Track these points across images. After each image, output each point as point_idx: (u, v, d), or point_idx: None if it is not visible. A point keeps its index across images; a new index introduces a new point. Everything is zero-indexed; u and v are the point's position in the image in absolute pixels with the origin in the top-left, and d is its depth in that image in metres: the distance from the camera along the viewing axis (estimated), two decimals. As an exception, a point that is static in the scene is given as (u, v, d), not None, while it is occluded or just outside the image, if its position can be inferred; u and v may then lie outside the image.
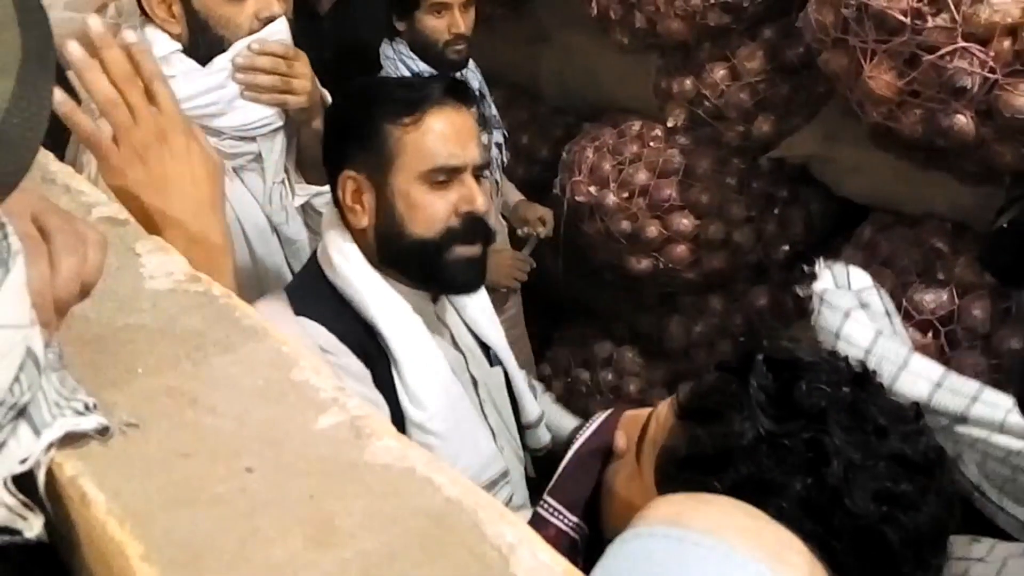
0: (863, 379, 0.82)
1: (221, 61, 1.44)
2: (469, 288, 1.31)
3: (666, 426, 0.85)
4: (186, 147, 0.90)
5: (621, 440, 0.93)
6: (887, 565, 0.72)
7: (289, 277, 1.55)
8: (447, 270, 1.24)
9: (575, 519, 0.95)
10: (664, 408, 0.88)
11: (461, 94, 1.27)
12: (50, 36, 0.48)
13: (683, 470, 0.79)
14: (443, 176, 1.22)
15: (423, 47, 2.11)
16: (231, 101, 1.46)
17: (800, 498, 0.73)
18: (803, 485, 0.73)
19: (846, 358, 0.85)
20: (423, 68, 2.11)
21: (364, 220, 1.25)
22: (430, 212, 1.22)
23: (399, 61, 2.13)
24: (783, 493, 0.73)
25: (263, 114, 1.49)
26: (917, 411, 0.81)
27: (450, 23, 2.09)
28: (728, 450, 0.76)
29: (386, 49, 2.16)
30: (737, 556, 0.37)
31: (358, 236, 1.26)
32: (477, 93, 2.20)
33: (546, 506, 0.97)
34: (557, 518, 0.96)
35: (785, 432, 0.75)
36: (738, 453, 0.75)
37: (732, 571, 0.37)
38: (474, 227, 1.24)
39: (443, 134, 1.22)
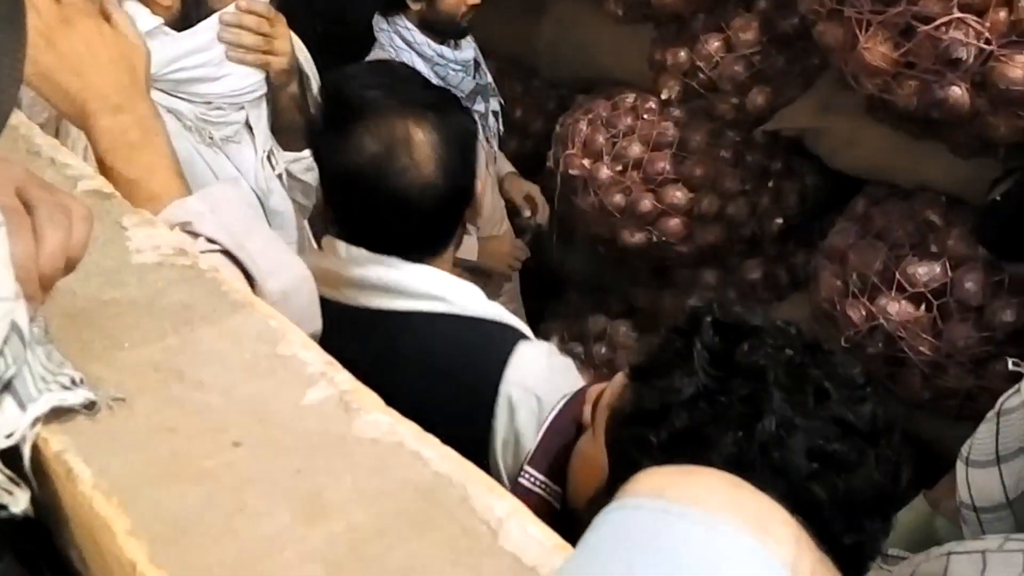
0: (812, 346, 0.82)
1: (207, 24, 1.43)
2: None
3: (618, 389, 0.87)
4: (97, 29, 0.92)
5: (587, 411, 0.95)
6: (816, 522, 0.72)
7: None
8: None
9: (557, 488, 0.96)
10: (620, 375, 0.90)
11: None
12: None
13: (627, 426, 0.81)
14: None
15: (443, 22, 2.10)
16: (219, 65, 1.45)
17: (730, 453, 0.74)
18: (734, 440, 0.74)
19: (798, 327, 0.86)
20: (420, 40, 2.09)
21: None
22: None
23: (394, 34, 2.11)
24: (716, 447, 0.74)
25: (251, 80, 1.48)
26: (866, 380, 0.82)
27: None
28: (667, 405, 0.77)
29: (380, 22, 2.14)
30: (723, 528, 0.37)
31: None
32: (473, 62, 2.19)
33: (527, 475, 0.98)
34: (538, 487, 0.97)
35: (723, 389, 0.77)
36: (676, 408, 0.77)
37: (718, 543, 0.36)
38: None
39: None
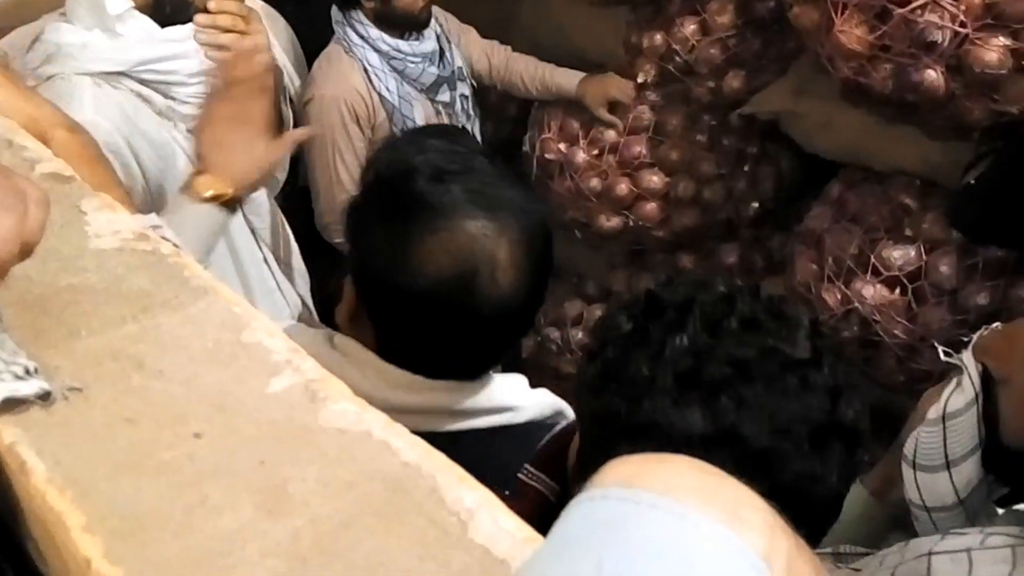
0: (754, 292, 0.81)
1: (181, 31, 1.41)
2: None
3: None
4: None
5: None
6: (740, 444, 0.71)
7: (248, 233, 1.53)
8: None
9: (555, 485, 0.95)
10: None
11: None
12: None
13: (579, 376, 0.82)
14: None
15: (398, 17, 2.07)
16: (193, 75, 1.44)
17: (645, 375, 0.74)
18: (648, 357, 0.74)
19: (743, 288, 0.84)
20: (375, 35, 2.06)
21: None
22: None
23: (348, 28, 2.08)
24: (635, 370, 0.75)
25: None
26: (812, 322, 0.79)
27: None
28: (604, 341, 0.79)
29: (336, 14, 2.11)
30: (693, 516, 0.36)
31: None
32: (438, 51, 2.15)
33: (526, 471, 0.97)
34: (535, 481, 0.96)
35: (653, 323, 0.77)
36: (610, 342, 0.79)
37: (689, 532, 0.35)
38: None
39: None
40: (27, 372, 0.52)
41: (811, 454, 0.72)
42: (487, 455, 0.94)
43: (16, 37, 2.01)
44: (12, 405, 0.51)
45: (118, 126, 1.37)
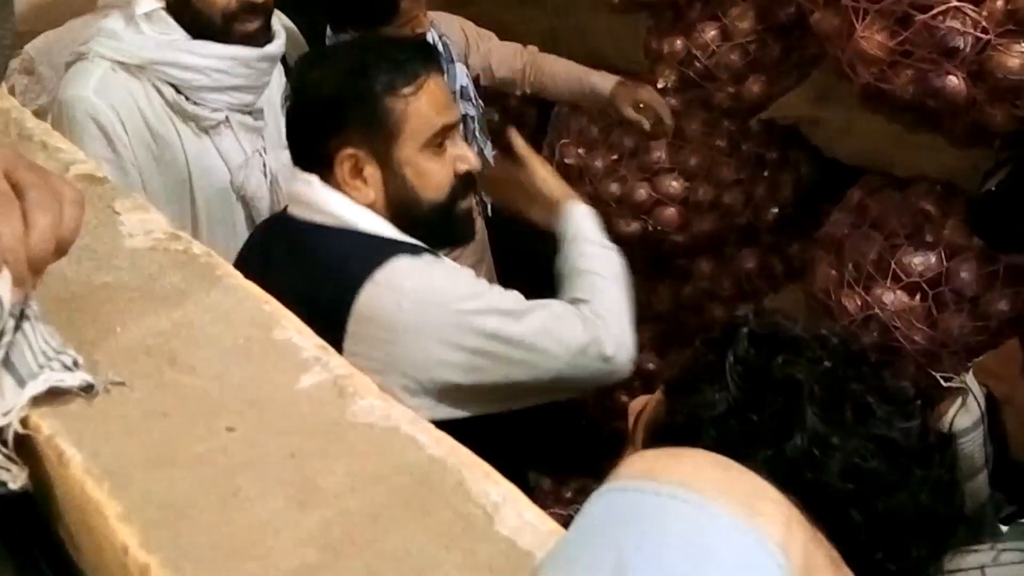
0: (856, 357, 0.78)
1: (205, 48, 1.49)
2: (471, 238, 1.44)
3: (655, 404, 0.84)
4: None
5: (630, 424, 0.93)
6: (854, 546, 0.70)
7: (246, 233, 1.57)
8: (457, 226, 1.31)
9: None
10: (660, 389, 0.87)
11: (433, 56, 1.34)
12: None
13: (659, 441, 0.78)
14: (440, 138, 1.25)
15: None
16: (202, 88, 1.52)
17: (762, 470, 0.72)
18: (764, 459, 0.70)
19: (839, 332, 0.81)
20: None
21: (370, 195, 1.24)
22: (439, 178, 1.26)
23: None
24: (746, 464, 0.72)
25: (245, 100, 1.56)
26: (917, 393, 0.77)
27: (414, 26, 2.00)
28: (699, 419, 0.74)
29: (333, 39, 2.10)
30: (711, 507, 0.37)
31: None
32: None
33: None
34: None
35: (755, 403, 0.73)
36: (707, 423, 0.74)
37: (706, 522, 0.36)
38: (469, 183, 1.30)
39: (437, 99, 1.25)
40: (75, 363, 0.53)
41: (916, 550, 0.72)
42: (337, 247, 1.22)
43: (41, 41, 2.05)
44: (52, 398, 0.52)
45: (114, 106, 1.49)
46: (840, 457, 0.70)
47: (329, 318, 1.13)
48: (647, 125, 2.11)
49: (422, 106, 1.22)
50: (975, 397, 0.97)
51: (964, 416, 0.97)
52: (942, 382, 1.03)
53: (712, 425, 0.73)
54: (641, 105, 2.09)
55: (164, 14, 1.50)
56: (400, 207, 1.24)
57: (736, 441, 0.72)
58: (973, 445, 0.95)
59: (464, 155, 1.28)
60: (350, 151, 1.22)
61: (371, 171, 1.23)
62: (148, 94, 1.51)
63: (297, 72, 1.34)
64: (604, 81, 2.17)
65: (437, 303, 1.18)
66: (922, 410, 0.75)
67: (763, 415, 0.72)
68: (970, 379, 0.99)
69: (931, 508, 0.71)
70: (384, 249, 1.20)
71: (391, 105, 1.22)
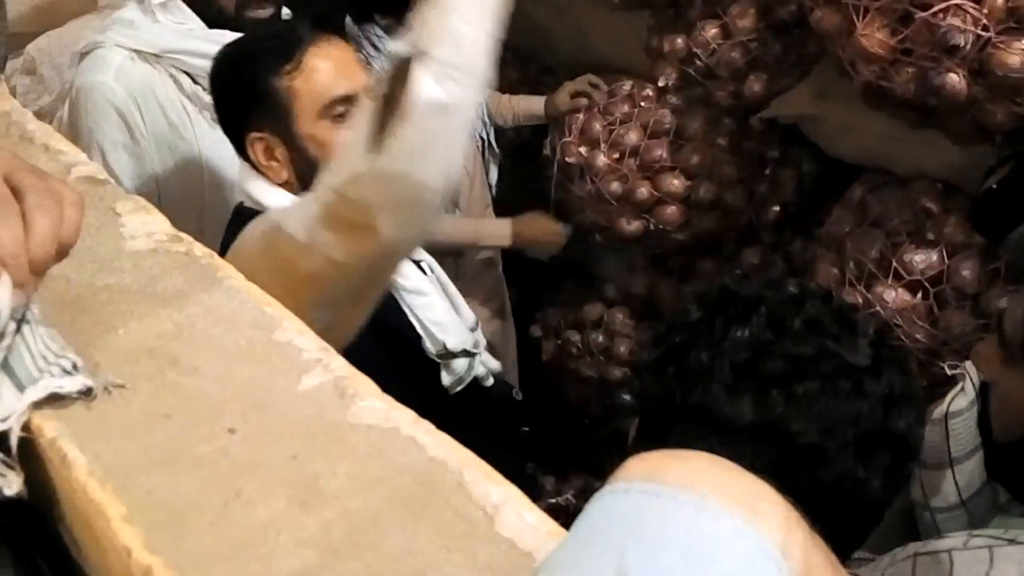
0: (819, 295, 0.81)
1: (221, 36, 1.49)
2: None
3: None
4: None
5: None
6: (813, 462, 0.72)
7: None
8: None
9: None
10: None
11: (329, 27, 1.33)
12: None
13: (640, 358, 0.85)
14: (341, 108, 1.25)
15: None
16: None
17: (706, 364, 0.75)
18: (708, 348, 0.76)
19: (818, 286, 0.86)
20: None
21: (284, 174, 1.28)
22: (339, 146, 1.24)
23: (364, 42, 2.10)
24: (695, 359, 0.76)
25: None
26: (878, 329, 0.80)
27: None
28: (670, 326, 0.82)
29: (352, 29, 2.12)
30: (713, 509, 0.37)
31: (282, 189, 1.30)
32: None
33: None
34: None
35: (719, 315, 0.78)
36: (674, 329, 0.81)
37: (708, 524, 0.37)
38: None
39: (326, 69, 1.26)
40: (74, 367, 0.53)
41: (856, 457, 0.73)
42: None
43: (42, 42, 2.06)
44: (54, 400, 0.53)
45: (133, 93, 1.51)
46: (777, 349, 0.74)
47: None
48: (584, 101, 2.29)
49: (308, 79, 1.24)
50: (972, 381, 1.00)
51: (960, 398, 1.01)
52: (948, 370, 1.06)
53: (678, 330, 0.79)
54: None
55: (180, 3, 1.53)
56: (310, 182, 1.23)
57: (694, 336, 0.77)
58: (965, 425, 0.98)
59: None
60: (257, 135, 1.27)
61: (280, 151, 1.27)
62: (165, 84, 1.53)
63: (211, 66, 1.39)
64: (537, 103, 2.39)
65: None
66: (876, 335, 0.78)
67: (722, 319, 0.78)
68: (969, 365, 1.03)
69: (870, 416, 0.74)
70: None
71: (276, 85, 1.25)
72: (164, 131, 1.52)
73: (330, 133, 1.25)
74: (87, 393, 0.53)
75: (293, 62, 1.24)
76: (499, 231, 2.25)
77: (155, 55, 1.51)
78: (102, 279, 0.64)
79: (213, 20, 1.52)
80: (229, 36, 1.48)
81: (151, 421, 0.53)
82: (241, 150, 1.31)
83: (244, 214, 1.31)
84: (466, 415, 1.35)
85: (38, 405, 0.52)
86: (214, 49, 1.48)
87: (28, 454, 0.52)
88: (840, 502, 0.72)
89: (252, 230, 1.10)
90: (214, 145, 1.55)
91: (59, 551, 0.56)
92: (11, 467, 0.50)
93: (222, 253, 1.31)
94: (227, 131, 1.34)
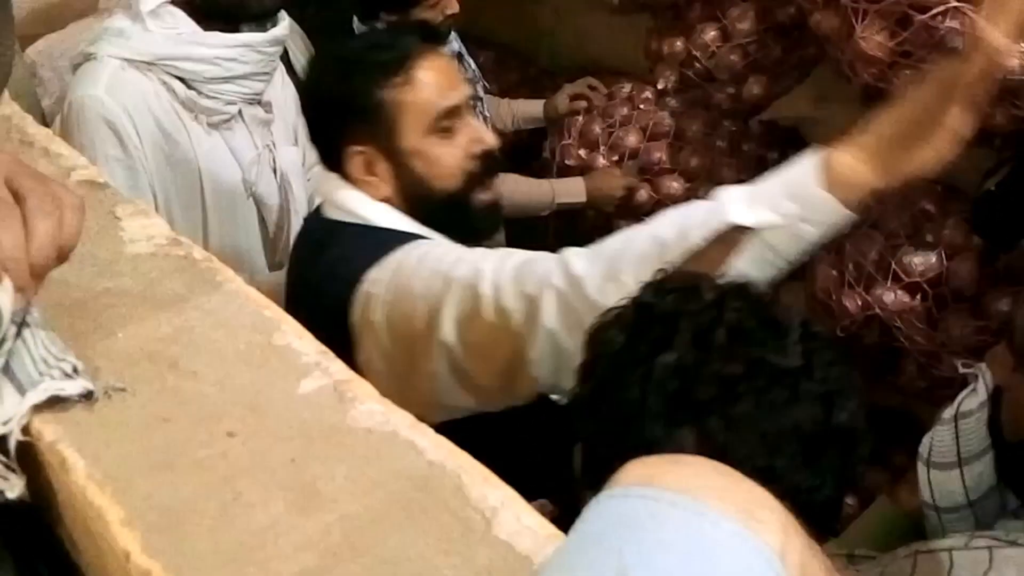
0: (745, 294, 0.80)
1: (216, 39, 1.47)
2: (493, 233, 1.35)
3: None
4: None
5: None
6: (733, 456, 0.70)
7: (259, 236, 1.57)
8: (476, 216, 1.25)
9: None
10: None
11: (434, 37, 1.28)
12: None
13: (574, 396, 0.83)
14: (447, 122, 1.21)
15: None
16: (214, 79, 1.50)
17: (636, 396, 0.74)
18: (638, 378, 0.74)
19: (742, 280, 0.84)
20: None
21: (384, 189, 1.22)
22: (451, 163, 1.21)
23: None
24: (626, 390, 0.75)
25: (256, 89, 1.54)
26: (804, 322, 0.78)
27: (444, 7, 2.06)
28: (598, 356, 0.80)
29: (359, 26, 2.12)
30: (712, 514, 0.37)
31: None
32: (457, 55, 2.17)
33: None
34: None
35: (640, 336, 0.78)
36: (603, 359, 0.79)
37: (706, 529, 0.37)
38: (489, 164, 1.24)
39: (435, 81, 1.21)
40: (75, 370, 0.54)
41: (805, 466, 0.72)
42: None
43: (42, 44, 2.05)
44: (54, 404, 0.53)
45: (125, 106, 1.47)
46: (703, 371, 0.72)
47: (334, 312, 1.14)
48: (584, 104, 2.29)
49: (417, 93, 1.19)
50: (984, 382, 1.00)
51: (971, 399, 1.01)
52: (961, 368, 1.06)
53: (607, 360, 0.78)
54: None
55: (170, 8, 1.49)
56: (414, 199, 1.22)
57: (621, 368, 0.76)
58: (975, 426, 0.98)
59: (478, 134, 1.23)
60: (358, 149, 1.21)
61: (382, 166, 1.21)
62: (158, 92, 1.50)
63: (305, 74, 1.34)
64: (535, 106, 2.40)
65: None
66: (802, 327, 0.77)
67: (647, 343, 0.76)
68: (984, 366, 1.03)
69: (803, 420, 0.72)
70: (387, 244, 1.17)
71: (384, 97, 1.19)
72: (159, 140, 1.50)
73: (437, 148, 1.20)
74: (88, 396, 0.53)
75: (402, 75, 1.19)
76: (575, 187, 2.22)
77: (147, 63, 1.48)
78: (102, 283, 0.65)
79: (208, 11, 1.48)
80: (222, 38, 1.47)
81: (150, 424, 0.53)
82: (331, 160, 1.24)
83: (320, 220, 1.26)
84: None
85: (38, 409, 0.52)
86: (208, 52, 1.47)
87: (28, 457, 0.52)
88: (795, 509, 0.72)
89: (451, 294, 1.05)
90: (211, 150, 1.53)
91: (59, 554, 0.57)
92: (12, 470, 0.50)
93: (292, 262, 1.32)
94: (318, 141, 1.28)
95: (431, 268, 1.09)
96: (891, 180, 0.99)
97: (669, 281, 0.83)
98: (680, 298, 0.78)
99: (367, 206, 1.22)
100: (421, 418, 0.54)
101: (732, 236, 0.94)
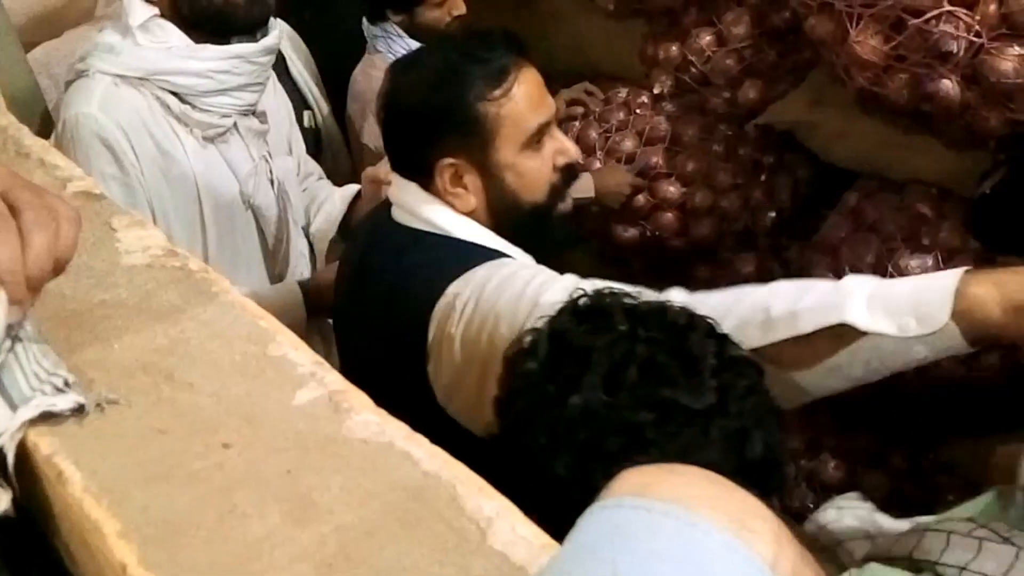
0: (660, 322, 0.79)
1: (207, 51, 1.47)
2: (572, 242, 1.39)
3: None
4: None
5: None
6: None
7: (259, 249, 1.58)
8: (557, 229, 1.25)
9: None
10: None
11: (523, 48, 1.25)
12: None
13: (498, 415, 0.83)
14: (538, 136, 1.20)
15: (424, 33, 2.08)
16: (207, 92, 1.49)
17: (547, 438, 0.74)
18: (549, 421, 0.74)
19: (658, 304, 0.84)
20: (412, 45, 2.08)
21: (471, 202, 1.20)
22: (540, 176, 1.21)
23: (390, 40, 2.10)
24: (537, 431, 0.75)
25: (249, 100, 1.54)
26: (718, 352, 0.77)
27: (451, 7, 2.07)
28: (516, 390, 0.80)
29: (374, 29, 2.13)
30: (704, 525, 0.37)
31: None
32: None
33: None
34: None
35: (554, 371, 0.77)
36: (518, 393, 0.79)
37: (700, 539, 0.37)
38: (570, 175, 1.25)
39: (530, 95, 1.20)
40: (66, 384, 0.54)
41: None
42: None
43: (40, 52, 2.05)
44: (49, 416, 0.53)
45: (120, 123, 1.46)
46: (612, 416, 0.72)
47: (415, 316, 1.13)
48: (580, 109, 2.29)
49: (515, 107, 1.18)
50: None
51: None
52: None
53: (522, 395, 0.78)
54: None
55: (160, 21, 1.47)
56: (502, 212, 1.21)
57: (533, 408, 0.76)
58: None
59: (563, 147, 1.23)
60: (449, 161, 1.19)
61: (471, 178, 1.19)
62: (152, 108, 1.48)
63: (390, 79, 1.28)
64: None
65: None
66: (717, 356, 0.76)
67: (558, 382, 0.75)
68: None
69: (715, 461, 0.71)
70: (472, 258, 1.16)
71: (483, 111, 1.17)
72: (155, 156, 1.48)
73: (528, 161, 1.19)
74: (79, 410, 0.53)
75: (503, 88, 1.17)
76: (584, 183, 2.17)
77: (140, 79, 1.47)
78: (98, 294, 0.65)
79: (196, 21, 1.46)
80: (214, 51, 1.45)
81: (146, 436, 0.53)
82: (417, 170, 1.22)
83: (391, 226, 1.23)
84: None
85: (33, 422, 0.52)
86: (200, 66, 1.46)
87: (24, 470, 0.52)
88: None
89: None
90: (207, 164, 1.52)
91: (55, 566, 0.57)
92: (1, 485, 0.51)
93: (356, 262, 1.28)
94: (398, 149, 1.25)
95: (517, 290, 1.08)
96: (1018, 332, 0.90)
97: (584, 301, 0.82)
98: (592, 328, 0.77)
99: (450, 219, 1.21)
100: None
101: (844, 331, 0.90)
